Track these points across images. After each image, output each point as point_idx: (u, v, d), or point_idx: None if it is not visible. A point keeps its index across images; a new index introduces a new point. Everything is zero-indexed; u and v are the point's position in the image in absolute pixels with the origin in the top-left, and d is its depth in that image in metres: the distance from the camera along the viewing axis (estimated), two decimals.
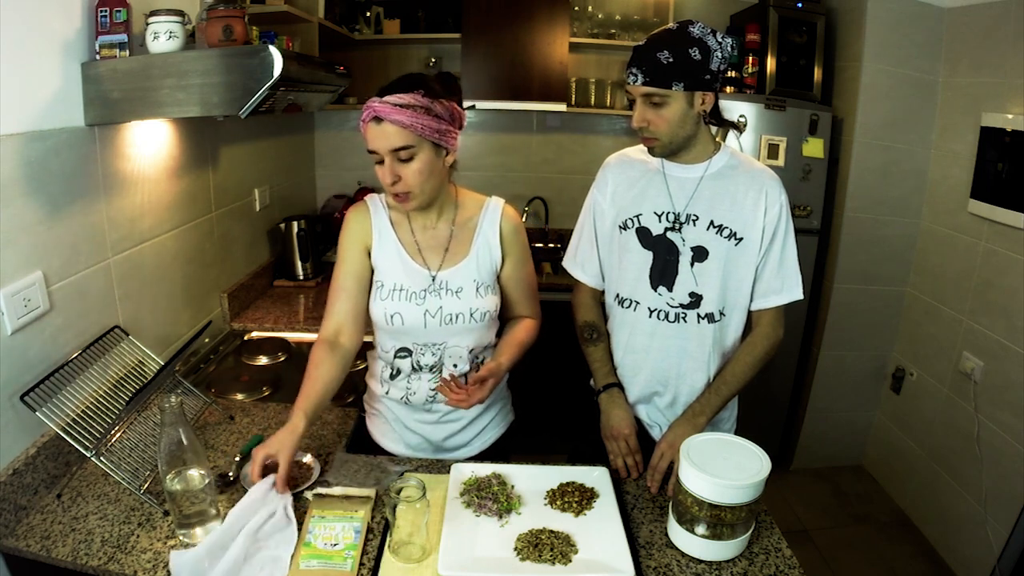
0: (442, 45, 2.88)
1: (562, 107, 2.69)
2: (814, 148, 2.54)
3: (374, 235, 1.28)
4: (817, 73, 2.64)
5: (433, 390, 1.30)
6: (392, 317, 1.25)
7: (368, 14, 2.76)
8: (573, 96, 2.83)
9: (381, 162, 1.15)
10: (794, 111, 2.51)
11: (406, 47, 2.94)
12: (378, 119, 1.12)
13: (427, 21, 2.78)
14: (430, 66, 2.90)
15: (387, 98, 1.11)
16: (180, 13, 1.30)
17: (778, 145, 2.52)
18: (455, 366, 1.30)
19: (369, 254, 1.28)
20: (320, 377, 1.21)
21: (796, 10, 2.61)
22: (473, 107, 1.35)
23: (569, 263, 1.45)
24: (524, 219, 3.01)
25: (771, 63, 2.61)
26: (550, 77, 2.65)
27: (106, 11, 1.27)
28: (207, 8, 1.31)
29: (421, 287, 1.26)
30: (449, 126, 1.16)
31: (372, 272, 1.29)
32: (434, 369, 1.30)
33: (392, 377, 1.33)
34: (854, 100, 2.49)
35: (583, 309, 1.43)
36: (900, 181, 2.54)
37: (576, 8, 2.73)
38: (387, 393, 1.35)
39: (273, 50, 1.20)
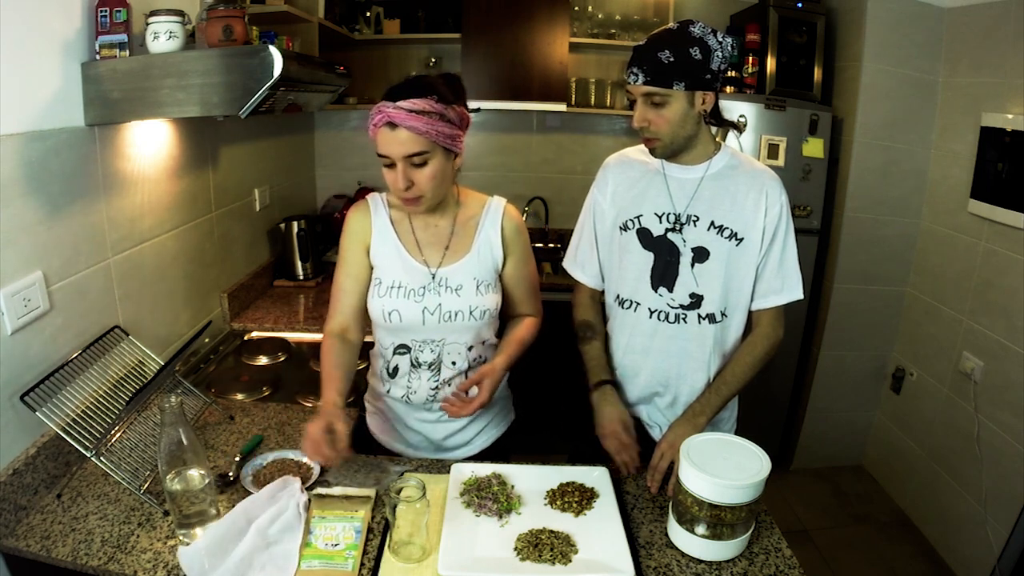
0: (442, 45, 2.88)
1: (562, 107, 2.69)
2: (814, 148, 2.54)
3: (373, 233, 1.28)
4: (817, 73, 2.64)
5: (433, 390, 1.31)
6: (390, 314, 1.25)
7: (368, 14, 2.76)
8: (573, 96, 2.83)
9: (391, 166, 1.15)
10: (794, 111, 2.51)
11: (406, 47, 2.94)
12: (392, 124, 1.10)
13: (427, 21, 2.78)
14: (430, 66, 2.90)
15: (401, 103, 1.10)
16: (180, 13, 1.30)
17: (778, 145, 2.52)
18: (453, 363, 1.30)
19: (368, 253, 1.28)
20: (341, 363, 1.24)
21: (796, 10, 2.61)
22: (479, 110, 1.35)
23: (569, 264, 1.45)
24: (524, 219, 3.01)
25: (771, 63, 2.61)
26: (550, 77, 2.65)
27: (106, 11, 1.27)
28: (207, 8, 1.31)
29: (420, 284, 1.26)
30: (459, 130, 1.17)
31: (372, 270, 1.29)
32: (433, 366, 1.30)
33: (392, 375, 1.33)
34: (854, 100, 2.49)
35: (580, 308, 1.43)
36: (900, 181, 2.54)
37: (576, 8, 2.73)
38: (388, 392, 1.35)
39: (273, 50, 1.20)
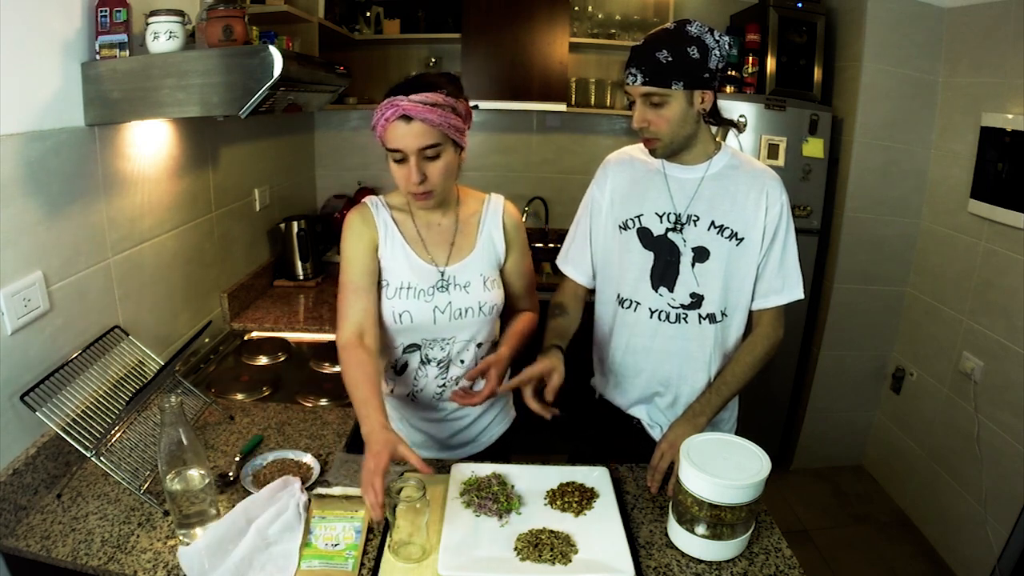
0: (442, 45, 2.88)
1: (562, 107, 2.69)
2: (814, 148, 2.54)
3: (379, 234, 1.27)
4: (817, 73, 2.64)
5: (440, 387, 1.31)
6: (401, 315, 1.25)
7: (368, 14, 2.76)
8: (573, 96, 2.83)
9: (401, 161, 1.15)
10: (794, 111, 2.51)
11: (406, 47, 2.94)
12: (407, 117, 1.11)
13: (427, 21, 2.78)
14: (430, 66, 2.90)
15: (414, 97, 1.10)
16: (180, 13, 1.30)
17: (778, 145, 2.52)
18: (462, 361, 1.31)
19: (377, 252, 1.27)
20: (370, 378, 1.14)
21: (796, 10, 2.61)
22: (476, 107, 1.35)
23: (561, 261, 1.44)
24: (524, 219, 3.01)
25: (771, 63, 2.61)
26: (550, 77, 2.65)
27: (106, 11, 1.27)
28: (207, 8, 1.31)
29: (429, 284, 1.26)
30: (465, 124, 1.18)
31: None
32: (442, 364, 1.30)
33: (399, 372, 1.33)
34: (854, 100, 2.49)
35: (559, 293, 1.43)
36: (900, 181, 2.54)
37: (576, 8, 2.73)
38: (392, 391, 1.35)
39: (273, 50, 1.20)
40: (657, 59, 1.14)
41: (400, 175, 1.17)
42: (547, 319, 1.40)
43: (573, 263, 1.42)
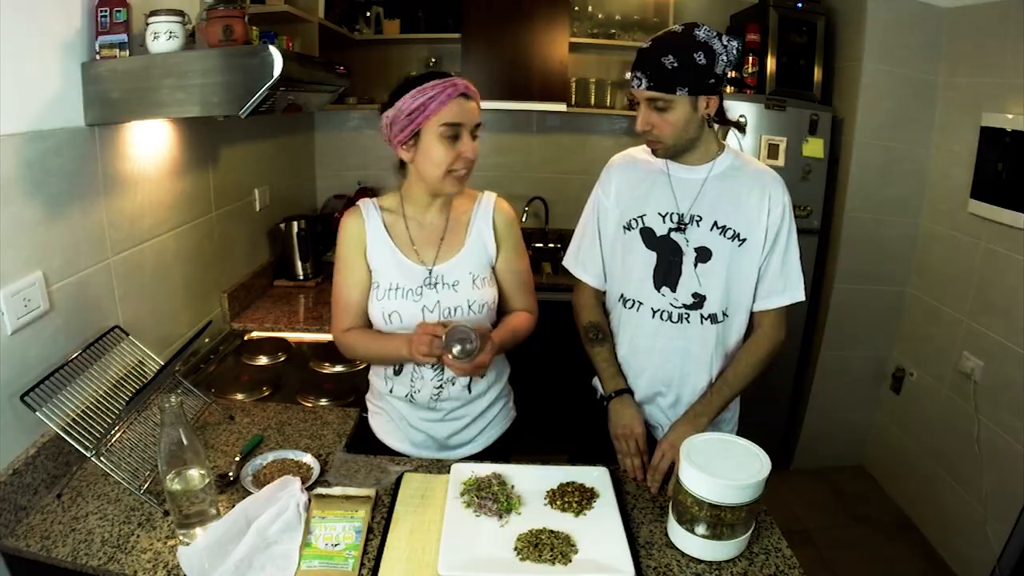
0: (442, 45, 2.88)
1: (562, 107, 2.69)
2: (814, 148, 2.54)
3: (368, 237, 1.28)
4: (817, 73, 2.64)
5: (437, 388, 1.31)
6: (390, 316, 1.26)
7: (368, 14, 2.76)
8: (573, 96, 2.83)
9: (453, 138, 1.19)
10: (794, 111, 2.51)
11: (406, 47, 2.94)
12: (466, 95, 1.19)
13: (427, 21, 2.78)
14: (430, 66, 2.90)
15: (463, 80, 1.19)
16: (180, 13, 1.30)
17: (778, 145, 2.52)
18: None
19: (366, 255, 1.29)
20: (372, 333, 1.30)
21: (796, 10, 2.61)
22: None
23: (571, 263, 1.44)
24: (524, 219, 3.01)
25: (771, 63, 2.61)
26: (550, 77, 2.65)
27: (106, 11, 1.27)
28: (207, 8, 1.31)
29: (417, 283, 1.27)
30: None
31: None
32: (436, 364, 1.30)
33: (396, 373, 1.33)
34: (854, 100, 2.49)
35: (586, 311, 1.42)
36: (900, 181, 2.54)
37: (576, 8, 2.73)
38: (391, 391, 1.35)
39: (273, 50, 1.20)
40: (662, 64, 1.14)
41: (448, 155, 1.19)
42: (587, 345, 1.40)
43: (584, 266, 1.41)
